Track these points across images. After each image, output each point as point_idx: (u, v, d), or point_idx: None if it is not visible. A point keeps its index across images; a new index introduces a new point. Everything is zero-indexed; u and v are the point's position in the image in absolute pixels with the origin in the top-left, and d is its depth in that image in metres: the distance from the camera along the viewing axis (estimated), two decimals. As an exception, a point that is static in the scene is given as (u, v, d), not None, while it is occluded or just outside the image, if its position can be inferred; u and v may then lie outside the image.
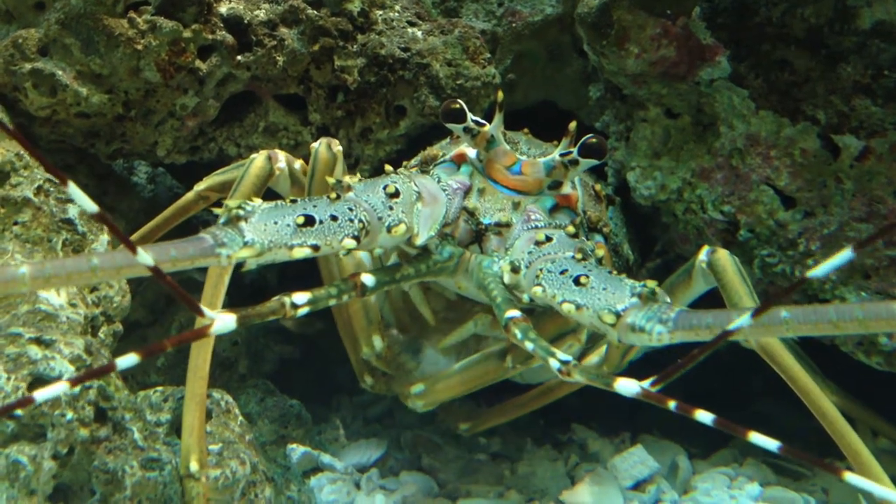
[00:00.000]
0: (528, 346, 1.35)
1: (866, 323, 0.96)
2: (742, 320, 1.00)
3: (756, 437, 0.97)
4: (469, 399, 1.95)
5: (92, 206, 0.94)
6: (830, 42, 1.90)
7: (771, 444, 0.97)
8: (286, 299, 1.26)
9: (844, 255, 0.89)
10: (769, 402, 2.57)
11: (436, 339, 1.89)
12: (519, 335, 1.37)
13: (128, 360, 0.98)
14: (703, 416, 1.00)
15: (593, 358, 1.90)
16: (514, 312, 1.42)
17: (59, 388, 0.98)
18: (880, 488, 0.93)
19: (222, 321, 1.12)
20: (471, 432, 2.20)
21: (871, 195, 1.90)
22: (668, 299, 1.29)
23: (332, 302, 1.36)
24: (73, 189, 0.92)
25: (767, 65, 1.98)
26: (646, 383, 1.09)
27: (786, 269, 2.00)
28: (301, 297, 1.28)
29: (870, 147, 1.89)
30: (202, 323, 1.11)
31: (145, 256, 0.98)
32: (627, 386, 1.11)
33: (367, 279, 1.43)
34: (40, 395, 0.96)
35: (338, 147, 1.85)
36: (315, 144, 1.85)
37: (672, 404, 1.03)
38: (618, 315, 1.27)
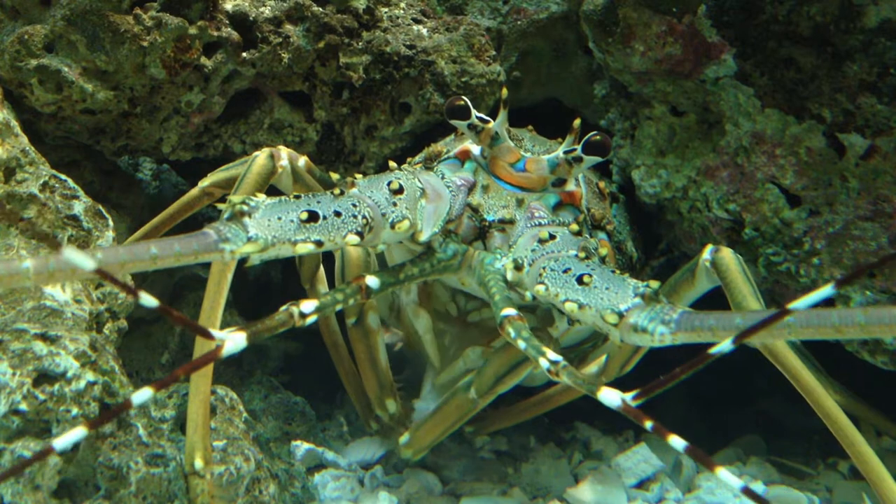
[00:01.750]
0: (521, 344, 1.35)
1: (869, 328, 0.96)
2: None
3: (723, 474, 0.97)
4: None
5: (91, 264, 0.94)
6: (836, 40, 1.89)
7: (736, 482, 0.97)
8: (294, 309, 1.27)
9: (825, 290, 0.90)
10: (772, 401, 2.57)
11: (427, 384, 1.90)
12: (512, 333, 1.38)
13: (143, 394, 0.99)
14: (676, 442, 1.00)
15: (592, 367, 1.90)
16: (510, 310, 1.42)
17: (77, 434, 0.97)
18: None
19: (233, 341, 1.13)
20: (476, 434, 2.19)
21: (876, 193, 1.89)
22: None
23: (340, 307, 1.38)
24: (69, 251, 0.92)
25: (773, 63, 1.98)
26: (628, 396, 1.09)
27: (790, 267, 1.99)
28: (309, 305, 1.29)
29: (875, 146, 1.88)
30: (206, 344, 1.10)
31: (148, 298, 0.97)
32: (610, 397, 1.11)
33: (372, 281, 1.43)
34: (59, 443, 0.96)
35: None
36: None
37: (648, 424, 1.03)
38: (620, 315, 1.27)
